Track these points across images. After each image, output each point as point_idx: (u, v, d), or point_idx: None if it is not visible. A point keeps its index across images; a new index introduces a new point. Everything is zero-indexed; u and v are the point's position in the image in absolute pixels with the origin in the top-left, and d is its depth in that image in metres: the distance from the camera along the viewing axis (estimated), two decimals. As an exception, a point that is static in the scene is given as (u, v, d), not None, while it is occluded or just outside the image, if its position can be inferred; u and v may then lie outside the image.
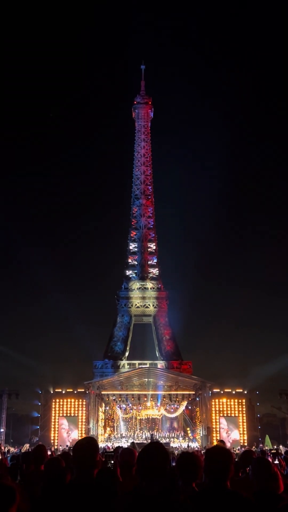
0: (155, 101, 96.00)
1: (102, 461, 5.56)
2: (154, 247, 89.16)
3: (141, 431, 55.07)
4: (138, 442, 39.39)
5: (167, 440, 49.70)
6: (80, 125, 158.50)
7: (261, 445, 46.77)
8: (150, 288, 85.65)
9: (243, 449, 33.89)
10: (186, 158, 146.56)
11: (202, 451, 21.33)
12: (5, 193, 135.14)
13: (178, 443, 48.49)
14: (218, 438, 46.83)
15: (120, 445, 31.29)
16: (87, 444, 4.56)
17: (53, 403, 52.18)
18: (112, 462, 5.05)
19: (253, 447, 41.99)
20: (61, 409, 51.89)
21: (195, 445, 47.21)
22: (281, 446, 45.52)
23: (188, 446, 45.57)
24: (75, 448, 4.53)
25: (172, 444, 45.70)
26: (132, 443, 34.74)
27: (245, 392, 54.21)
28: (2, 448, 39.20)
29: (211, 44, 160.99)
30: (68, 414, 51.63)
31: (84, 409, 51.01)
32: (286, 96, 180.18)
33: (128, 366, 75.87)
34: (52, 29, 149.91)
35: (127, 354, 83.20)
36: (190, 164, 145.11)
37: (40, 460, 7.66)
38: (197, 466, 5.20)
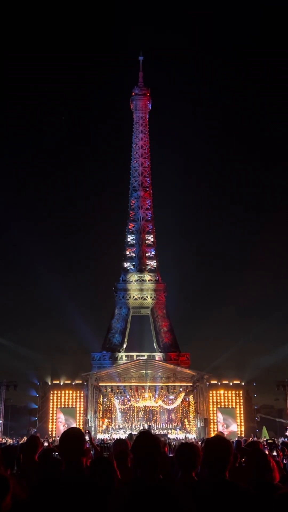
0: (153, 92, 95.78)
1: (98, 450, 5.56)
2: (152, 239, 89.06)
3: (138, 423, 55.31)
4: (136, 433, 39.44)
5: (165, 431, 49.96)
6: (77, 116, 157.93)
7: (255, 438, 46.92)
8: (148, 280, 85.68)
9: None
10: (184, 149, 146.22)
11: (200, 442, 21.42)
12: (3, 183, 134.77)
13: (176, 435, 48.76)
14: (216, 429, 47.08)
15: (118, 437, 31.37)
16: (72, 433, 4.55)
17: (51, 395, 52.19)
18: (108, 454, 5.05)
19: (250, 438, 42.15)
20: (59, 400, 51.90)
21: (192, 436, 47.46)
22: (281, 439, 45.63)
23: (185, 437, 45.83)
24: (60, 439, 4.53)
25: (169, 436, 45.94)
26: (130, 434, 34.83)
27: (243, 383, 54.37)
28: (0, 439, 39.34)
29: (210, 35, 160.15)
30: (66, 406, 51.60)
31: (82, 400, 51.06)
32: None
33: (126, 358, 76.01)
34: (51, 20, 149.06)
35: (125, 346, 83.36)
36: (188, 155, 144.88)
37: (33, 451, 7.71)
38: (195, 455, 5.28)
